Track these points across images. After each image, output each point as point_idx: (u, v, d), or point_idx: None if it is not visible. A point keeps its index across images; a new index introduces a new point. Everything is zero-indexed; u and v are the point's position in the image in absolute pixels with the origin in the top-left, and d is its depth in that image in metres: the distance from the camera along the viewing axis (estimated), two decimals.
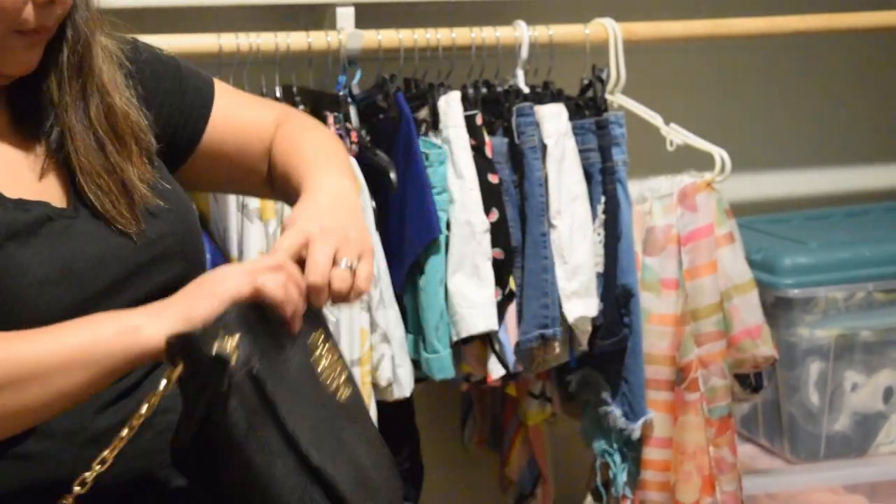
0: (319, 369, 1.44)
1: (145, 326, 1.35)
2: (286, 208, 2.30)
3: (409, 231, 2.40)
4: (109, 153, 1.60)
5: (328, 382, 1.45)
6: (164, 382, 1.33)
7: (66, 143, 1.60)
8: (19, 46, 1.53)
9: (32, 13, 1.50)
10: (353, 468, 1.43)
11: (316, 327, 1.47)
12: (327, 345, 1.47)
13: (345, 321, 2.34)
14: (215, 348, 1.29)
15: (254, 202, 2.34)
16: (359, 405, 1.54)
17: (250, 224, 2.36)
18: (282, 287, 1.37)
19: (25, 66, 1.57)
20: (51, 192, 1.52)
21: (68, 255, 1.49)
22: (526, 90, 2.51)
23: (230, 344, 1.30)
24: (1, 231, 1.45)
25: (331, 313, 2.30)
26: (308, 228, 1.49)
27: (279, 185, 1.76)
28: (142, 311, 1.39)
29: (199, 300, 1.37)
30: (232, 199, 2.36)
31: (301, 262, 1.46)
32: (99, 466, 1.37)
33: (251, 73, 2.41)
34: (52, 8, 1.51)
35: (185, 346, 1.30)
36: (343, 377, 1.48)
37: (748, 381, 2.57)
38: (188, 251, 1.63)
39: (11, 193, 1.49)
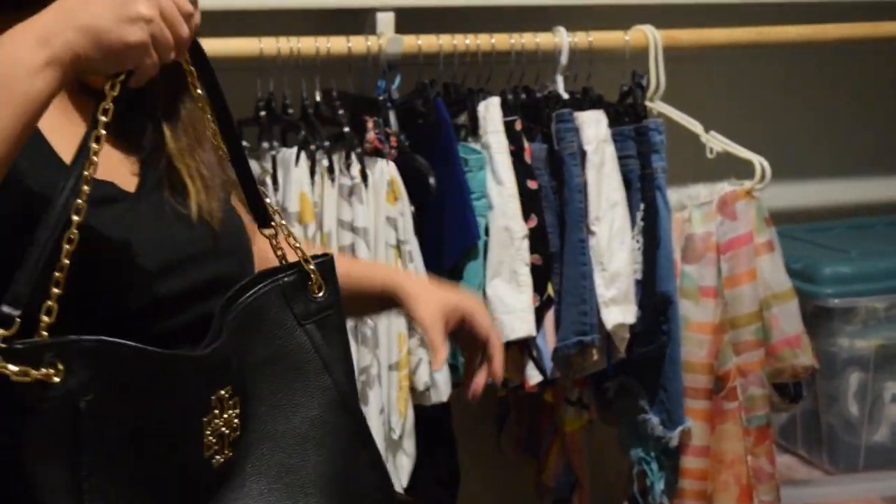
0: (204, 423, 1.37)
1: (55, 33, 1.28)
2: (325, 213, 2.31)
3: (447, 236, 2.39)
4: (204, 150, 1.59)
5: (206, 443, 1.38)
6: None
7: (162, 133, 1.57)
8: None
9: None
10: None
11: (219, 382, 1.39)
12: (232, 401, 1.40)
13: (383, 326, 2.33)
14: (13, 370, 1.21)
15: (293, 205, 2.34)
16: (239, 473, 1.43)
17: (290, 228, 2.31)
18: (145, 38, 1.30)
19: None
20: (119, 176, 1.49)
21: (127, 233, 1.44)
22: (565, 96, 2.48)
23: (44, 368, 1.22)
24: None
25: (369, 317, 2.32)
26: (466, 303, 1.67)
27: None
28: (48, 20, 1.31)
29: (109, 24, 1.30)
30: (272, 204, 2.30)
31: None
32: None
33: (292, 77, 2.41)
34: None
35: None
36: (233, 440, 1.41)
37: (787, 390, 2.55)
38: (241, 250, 1.58)
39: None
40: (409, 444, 2.40)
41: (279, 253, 1.53)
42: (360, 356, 2.36)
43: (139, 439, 1.29)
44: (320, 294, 1.48)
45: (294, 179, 2.37)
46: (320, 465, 1.47)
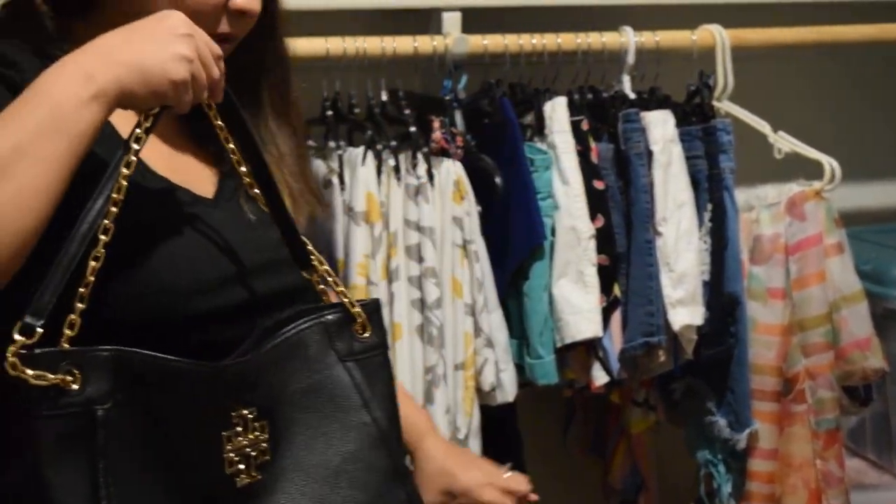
0: (224, 439, 1.38)
1: (98, 69, 1.31)
2: (391, 212, 2.30)
3: (513, 236, 2.39)
4: (300, 154, 1.64)
5: (228, 461, 1.38)
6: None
7: (268, 147, 1.61)
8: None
9: (225, 21, 1.53)
10: None
11: (240, 403, 1.40)
12: (258, 424, 1.41)
13: (449, 325, 2.33)
14: (32, 375, 1.23)
15: (359, 205, 2.33)
16: (268, 495, 1.43)
17: (356, 227, 2.35)
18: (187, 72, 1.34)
19: None
20: (197, 184, 1.53)
21: (202, 238, 1.48)
22: (632, 96, 2.49)
23: (62, 379, 1.25)
24: (148, 208, 1.45)
25: (435, 317, 2.33)
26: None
27: None
28: (90, 57, 1.33)
29: (154, 62, 1.33)
30: (338, 203, 2.36)
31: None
32: None
33: (358, 76, 2.41)
34: (243, 18, 1.54)
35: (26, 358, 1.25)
36: (262, 463, 1.42)
37: (857, 393, 2.54)
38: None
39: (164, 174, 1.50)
40: (475, 444, 2.38)
41: (321, 289, 1.54)
42: (426, 355, 2.36)
43: (158, 448, 1.31)
44: (365, 335, 1.50)
45: (361, 179, 2.36)
46: (351, 499, 1.46)
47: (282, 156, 1.66)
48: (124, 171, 1.34)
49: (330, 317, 1.48)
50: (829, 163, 2.47)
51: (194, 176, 1.54)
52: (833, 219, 2.49)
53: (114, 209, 1.32)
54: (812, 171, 2.51)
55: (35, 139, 1.29)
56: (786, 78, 2.90)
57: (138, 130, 1.36)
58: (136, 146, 1.34)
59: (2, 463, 1.35)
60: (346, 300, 1.52)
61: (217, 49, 1.42)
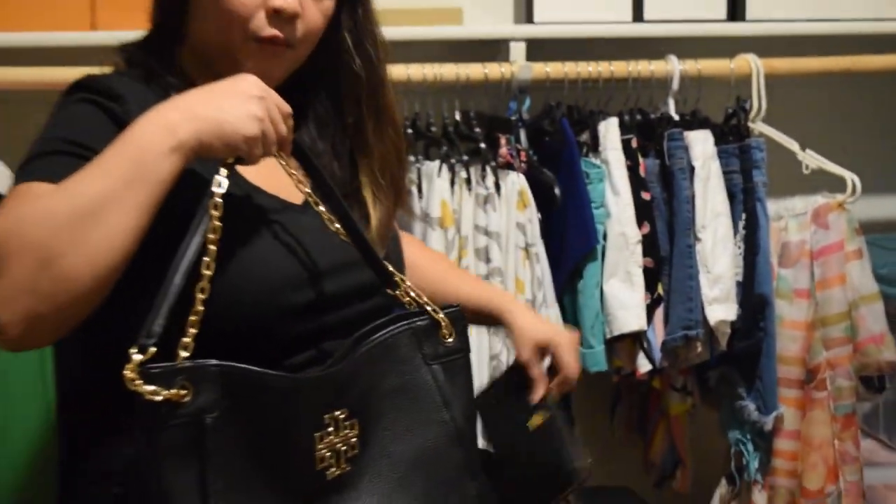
0: (317, 439, 1.40)
1: (181, 125, 1.35)
2: (463, 218, 2.37)
3: (569, 240, 2.42)
4: (395, 177, 1.67)
5: (319, 458, 1.40)
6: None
7: (357, 162, 1.65)
8: (257, 55, 1.56)
9: (264, 21, 1.54)
10: None
11: (332, 406, 1.42)
12: (348, 424, 1.43)
13: None
14: (149, 391, 1.27)
15: (435, 211, 2.37)
16: (354, 486, 1.45)
17: (432, 231, 2.40)
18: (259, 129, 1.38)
19: (266, 78, 1.54)
20: (287, 191, 1.55)
21: (289, 240, 1.52)
22: (676, 117, 2.52)
23: (175, 388, 1.28)
24: (243, 213, 1.49)
25: None
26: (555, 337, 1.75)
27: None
28: (173, 112, 1.37)
29: (229, 120, 1.37)
30: (416, 210, 2.39)
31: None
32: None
33: (435, 99, 2.46)
34: (293, 22, 1.55)
35: (145, 375, 1.28)
36: (351, 457, 1.43)
37: (872, 382, 2.56)
38: (394, 258, 1.65)
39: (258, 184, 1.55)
40: None
41: (406, 300, 1.56)
42: (491, 344, 2.39)
43: (257, 449, 1.34)
44: (450, 339, 1.52)
45: (436, 189, 2.40)
46: (428, 488, 1.48)
47: (381, 162, 1.68)
48: (214, 213, 1.36)
49: (419, 322, 1.50)
50: (850, 178, 2.51)
51: (285, 185, 1.55)
52: (854, 228, 2.52)
53: (213, 248, 1.36)
54: (836, 184, 2.54)
55: (122, 188, 1.32)
56: (813, 102, 2.89)
57: (219, 179, 1.38)
58: (218, 189, 1.37)
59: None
60: (429, 308, 1.53)
61: (286, 108, 1.44)
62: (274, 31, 1.53)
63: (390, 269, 1.56)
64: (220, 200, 1.36)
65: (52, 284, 1.29)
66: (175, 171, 1.34)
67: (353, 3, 1.64)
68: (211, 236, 1.34)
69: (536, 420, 1.79)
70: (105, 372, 1.37)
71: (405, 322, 1.49)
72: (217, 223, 1.36)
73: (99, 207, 1.30)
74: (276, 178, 1.55)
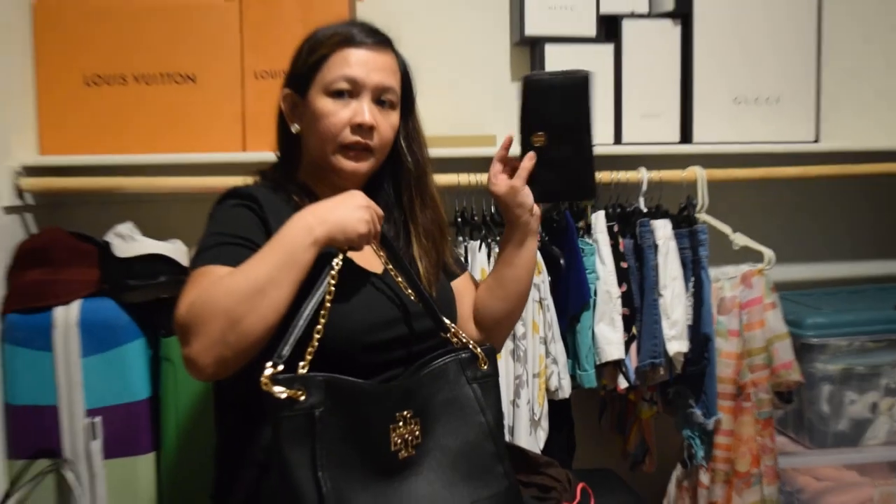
0: (391, 430, 1.43)
1: (315, 226, 1.42)
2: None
3: (570, 297, 2.46)
4: (436, 240, 1.74)
5: (393, 443, 1.42)
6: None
7: (409, 230, 1.71)
8: (348, 158, 1.63)
9: (350, 133, 1.61)
10: (365, 498, 1.38)
11: (401, 407, 1.46)
12: (413, 421, 1.46)
13: (530, 350, 2.40)
14: (277, 391, 1.34)
15: (477, 276, 2.32)
16: (417, 465, 1.46)
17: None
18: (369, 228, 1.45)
19: (353, 176, 1.65)
20: (370, 262, 1.63)
21: (374, 297, 1.59)
22: (645, 210, 2.58)
23: (294, 393, 1.34)
24: (342, 278, 1.52)
25: (522, 345, 2.37)
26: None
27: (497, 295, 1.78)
28: (309, 217, 1.43)
29: (348, 222, 1.43)
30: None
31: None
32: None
33: (476, 197, 2.53)
34: (371, 132, 1.62)
35: (274, 379, 1.34)
36: (415, 444, 1.46)
37: (783, 396, 2.61)
38: (447, 309, 1.72)
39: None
40: (545, 424, 2.45)
41: (454, 340, 1.60)
42: (514, 368, 2.40)
43: (350, 435, 1.38)
44: (485, 367, 1.58)
45: (478, 260, 2.43)
46: (470, 469, 1.50)
47: (425, 230, 1.72)
48: (332, 281, 1.45)
49: (464, 355, 1.57)
50: (767, 253, 2.58)
51: (370, 260, 1.63)
52: (770, 287, 2.57)
53: (328, 304, 1.44)
54: (756, 257, 2.61)
55: (279, 272, 1.39)
56: (740, 199, 2.92)
57: (337, 260, 1.47)
58: (337, 267, 1.46)
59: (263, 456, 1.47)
60: (472, 345, 1.59)
61: (381, 212, 1.51)
62: (356, 138, 1.61)
63: (445, 320, 1.59)
64: (336, 274, 1.46)
65: (236, 338, 1.36)
66: (312, 258, 1.43)
67: (406, 118, 1.71)
68: (328, 297, 1.44)
69: None
70: (246, 379, 1.43)
71: (453, 354, 1.56)
72: (333, 288, 1.44)
73: (266, 285, 1.37)
74: (365, 255, 1.61)
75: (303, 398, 1.34)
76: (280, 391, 1.33)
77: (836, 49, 2.92)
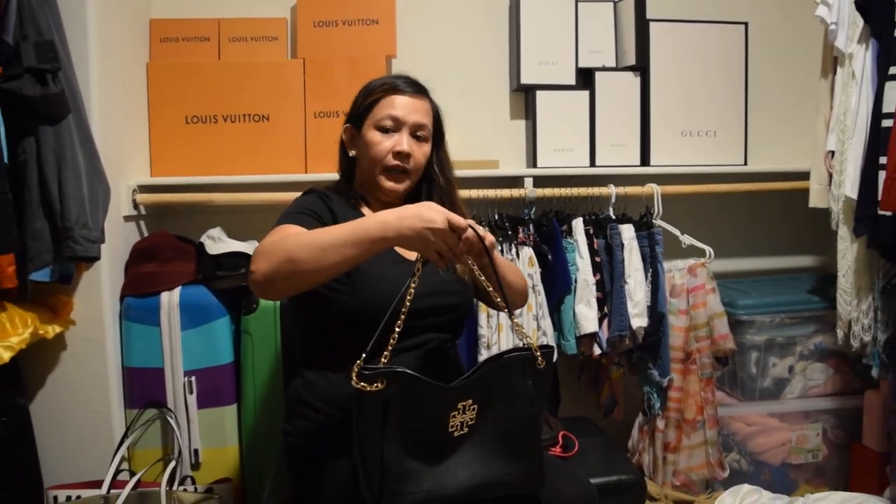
0: (451, 416, 1.35)
1: (391, 223, 1.32)
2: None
3: (556, 285, 2.43)
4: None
5: (451, 426, 1.35)
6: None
7: None
8: (386, 180, 1.60)
9: (392, 158, 1.59)
10: (420, 465, 1.31)
11: (464, 399, 1.36)
12: (472, 408, 1.37)
13: (526, 325, 2.34)
14: (361, 383, 1.28)
15: None
16: (468, 441, 1.37)
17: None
18: (442, 242, 1.31)
19: (393, 193, 1.62)
20: (411, 254, 1.56)
21: (402, 275, 1.46)
22: (613, 217, 2.53)
23: (376, 383, 1.28)
24: (382, 260, 1.48)
25: (519, 321, 2.22)
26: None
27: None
28: (389, 215, 1.32)
29: (422, 225, 1.30)
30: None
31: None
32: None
33: (484, 208, 2.49)
34: (408, 158, 1.59)
35: (361, 375, 1.28)
36: (469, 424, 1.36)
37: (722, 360, 2.56)
38: (466, 292, 1.65)
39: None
40: None
41: (520, 338, 1.46)
42: (513, 339, 2.34)
43: (414, 417, 1.33)
44: (541, 365, 1.44)
45: None
46: (509, 448, 1.41)
47: None
48: (412, 286, 1.36)
49: (525, 354, 1.43)
50: (708, 249, 2.54)
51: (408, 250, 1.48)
52: (710, 276, 2.52)
53: (407, 303, 1.35)
54: (700, 253, 2.56)
55: (343, 244, 1.32)
56: (687, 209, 2.87)
57: (418, 263, 1.38)
58: (419, 271, 1.37)
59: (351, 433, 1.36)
60: (532, 345, 1.43)
61: (464, 223, 1.34)
62: (396, 162, 1.59)
63: (514, 317, 1.42)
64: (418, 280, 1.36)
65: (287, 272, 1.31)
66: (377, 250, 1.32)
67: (438, 148, 1.68)
68: (408, 297, 1.36)
69: None
70: (310, 332, 1.46)
71: (517, 352, 1.43)
72: (413, 290, 1.35)
73: (329, 248, 1.31)
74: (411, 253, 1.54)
75: (381, 387, 1.28)
76: (363, 386, 1.28)
77: (760, 93, 2.93)
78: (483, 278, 1.42)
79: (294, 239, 1.33)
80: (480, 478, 1.36)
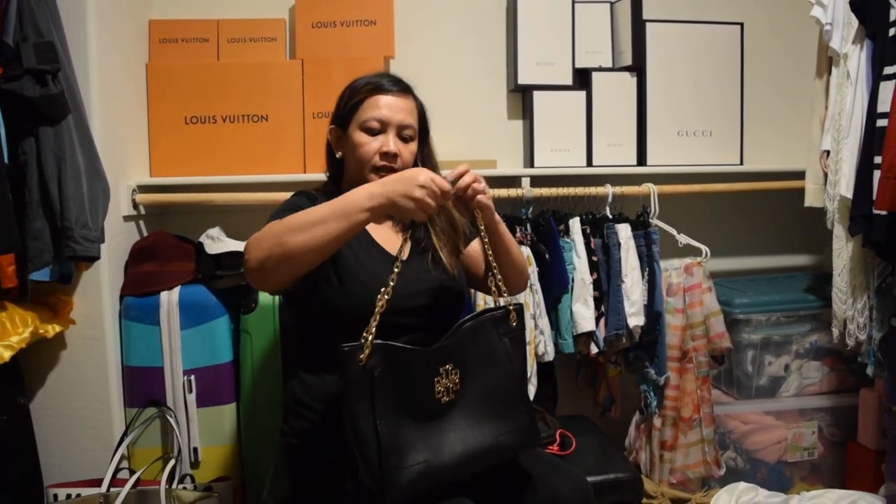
0: (435, 381, 1.36)
1: (376, 190, 1.33)
2: None
3: (554, 283, 2.42)
4: (450, 236, 1.65)
5: (437, 391, 1.36)
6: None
7: (430, 230, 1.63)
8: (377, 177, 1.57)
9: (379, 159, 1.56)
10: (414, 436, 1.32)
11: (444, 363, 1.37)
12: (454, 372, 1.38)
13: (528, 324, 2.33)
14: (348, 354, 1.29)
15: None
16: (456, 406, 1.38)
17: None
18: (423, 200, 1.30)
19: None
20: (397, 249, 1.55)
21: (400, 278, 1.43)
22: (610, 217, 2.53)
23: (362, 355, 1.29)
24: (372, 260, 1.50)
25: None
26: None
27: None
28: (374, 185, 1.33)
29: (402, 196, 1.31)
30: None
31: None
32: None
33: None
34: (395, 158, 1.57)
35: (341, 355, 1.29)
36: (455, 390, 1.38)
37: (718, 358, 2.56)
38: (460, 285, 1.64)
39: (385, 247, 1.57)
40: (535, 380, 2.42)
41: (496, 298, 1.49)
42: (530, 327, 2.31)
43: (401, 389, 1.33)
44: (514, 324, 1.47)
45: None
46: (500, 408, 1.42)
47: (441, 228, 1.64)
48: (396, 271, 1.36)
49: (496, 314, 1.46)
50: (704, 248, 2.53)
51: (396, 246, 1.58)
52: (706, 275, 2.52)
53: (391, 287, 1.36)
54: (696, 252, 2.56)
55: (331, 219, 1.31)
56: (683, 208, 2.85)
57: (406, 234, 1.39)
58: (402, 259, 1.37)
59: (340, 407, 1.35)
60: (507, 304, 1.48)
61: (445, 185, 1.36)
62: (384, 163, 1.57)
63: (480, 294, 1.44)
64: (400, 265, 1.38)
65: (279, 252, 1.31)
66: (366, 221, 1.32)
67: (423, 145, 1.66)
68: (391, 283, 1.36)
69: None
70: (305, 333, 1.47)
71: (489, 313, 1.45)
72: (396, 277, 1.36)
73: (316, 222, 1.31)
74: (392, 241, 1.59)
75: (364, 360, 1.29)
76: (358, 359, 1.29)
77: (756, 93, 2.91)
78: (489, 249, 1.44)
79: (281, 224, 1.34)
80: (474, 442, 1.36)
